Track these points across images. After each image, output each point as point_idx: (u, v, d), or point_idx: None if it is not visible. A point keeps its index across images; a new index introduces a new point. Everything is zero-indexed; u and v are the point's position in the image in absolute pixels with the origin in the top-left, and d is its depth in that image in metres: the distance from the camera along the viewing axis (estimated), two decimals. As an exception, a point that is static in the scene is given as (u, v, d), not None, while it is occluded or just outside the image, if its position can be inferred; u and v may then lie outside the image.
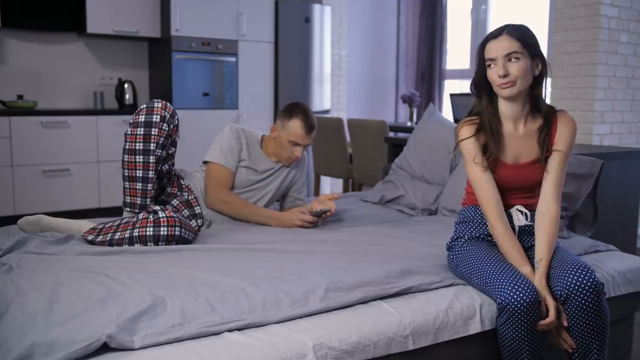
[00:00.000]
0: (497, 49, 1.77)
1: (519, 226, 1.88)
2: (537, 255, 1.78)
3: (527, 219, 1.88)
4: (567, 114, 1.89)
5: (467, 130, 1.88)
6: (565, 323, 1.69)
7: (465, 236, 1.94)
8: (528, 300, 1.60)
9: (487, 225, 1.91)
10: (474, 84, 1.89)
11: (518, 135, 1.87)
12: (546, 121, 1.86)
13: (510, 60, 1.76)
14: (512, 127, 1.87)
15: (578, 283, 1.65)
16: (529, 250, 1.90)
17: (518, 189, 1.89)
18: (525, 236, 1.90)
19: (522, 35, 1.77)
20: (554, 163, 1.84)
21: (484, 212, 1.86)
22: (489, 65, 1.81)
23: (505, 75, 1.76)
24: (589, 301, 1.64)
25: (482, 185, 1.85)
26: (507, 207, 1.89)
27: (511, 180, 1.87)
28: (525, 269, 1.75)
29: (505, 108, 1.86)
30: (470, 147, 1.87)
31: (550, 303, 1.67)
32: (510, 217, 1.88)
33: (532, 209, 1.90)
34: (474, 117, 1.89)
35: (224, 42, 4.96)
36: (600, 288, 1.66)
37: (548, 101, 1.92)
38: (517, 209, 1.89)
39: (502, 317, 1.64)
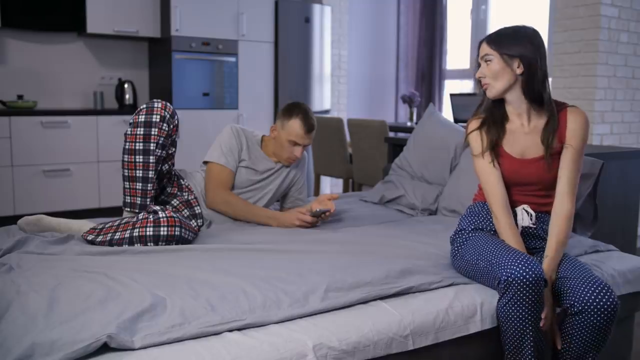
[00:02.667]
0: (481, 53, 1.90)
1: (522, 226, 1.88)
2: (546, 252, 1.79)
3: (531, 220, 1.88)
4: (577, 109, 1.90)
5: (474, 124, 1.95)
6: (558, 345, 1.71)
7: (469, 227, 1.95)
8: (534, 276, 1.58)
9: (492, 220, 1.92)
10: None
11: (525, 131, 1.90)
12: (552, 118, 1.87)
13: (485, 63, 1.88)
14: (519, 122, 1.91)
15: (597, 300, 1.63)
16: (531, 252, 1.89)
17: (523, 184, 1.90)
18: (529, 239, 1.90)
19: (498, 39, 1.87)
20: (566, 160, 1.85)
21: (489, 204, 1.89)
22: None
23: (480, 78, 1.89)
24: (602, 318, 1.62)
25: (489, 178, 1.88)
26: (512, 203, 1.90)
27: (516, 175, 1.88)
28: None
29: (507, 105, 1.92)
30: (477, 140, 1.92)
31: (547, 299, 1.68)
32: (515, 216, 1.89)
33: (538, 209, 1.90)
34: (479, 112, 1.97)
35: (224, 42, 4.96)
36: (616, 309, 1.64)
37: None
38: (524, 209, 1.89)
39: (507, 295, 1.62)
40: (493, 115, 1.92)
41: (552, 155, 1.86)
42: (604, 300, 1.62)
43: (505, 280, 1.61)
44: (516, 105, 1.89)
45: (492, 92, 1.88)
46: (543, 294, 1.63)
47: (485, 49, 1.87)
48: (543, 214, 1.91)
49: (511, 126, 1.91)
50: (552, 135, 1.85)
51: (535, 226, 1.89)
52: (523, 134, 1.90)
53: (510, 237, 1.81)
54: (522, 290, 1.59)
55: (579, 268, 1.76)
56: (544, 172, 1.87)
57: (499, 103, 1.92)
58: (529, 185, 1.89)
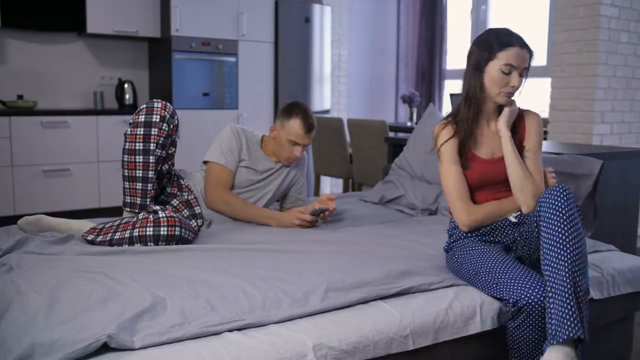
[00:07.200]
0: (521, 60, 1.83)
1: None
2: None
3: (514, 217, 1.90)
4: (531, 111, 1.99)
5: (446, 133, 1.96)
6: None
7: (463, 235, 1.95)
8: (542, 298, 1.57)
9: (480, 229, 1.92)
10: (476, 87, 1.90)
11: (491, 132, 1.95)
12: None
13: (520, 74, 1.85)
14: (486, 124, 1.96)
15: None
16: (519, 244, 1.88)
17: (497, 182, 1.93)
18: (516, 228, 1.91)
19: (531, 52, 1.87)
20: (529, 162, 1.92)
21: (454, 208, 1.91)
22: (504, 71, 1.84)
23: (514, 87, 1.85)
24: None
25: (458, 184, 1.91)
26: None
27: (487, 176, 1.92)
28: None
29: (486, 109, 1.94)
30: (449, 149, 1.93)
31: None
32: None
33: None
34: (449, 119, 1.97)
35: (224, 42, 4.96)
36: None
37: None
38: None
39: (518, 319, 1.61)
40: (465, 119, 1.92)
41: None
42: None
43: (514, 304, 1.60)
44: (494, 108, 1.93)
45: (509, 102, 1.90)
46: None
47: (527, 60, 1.84)
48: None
49: (480, 129, 1.95)
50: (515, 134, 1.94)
51: (517, 221, 1.90)
52: (491, 135, 1.95)
53: (492, 212, 1.88)
54: (533, 314, 1.59)
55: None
56: None
57: (470, 108, 1.92)
58: (499, 183, 1.93)
